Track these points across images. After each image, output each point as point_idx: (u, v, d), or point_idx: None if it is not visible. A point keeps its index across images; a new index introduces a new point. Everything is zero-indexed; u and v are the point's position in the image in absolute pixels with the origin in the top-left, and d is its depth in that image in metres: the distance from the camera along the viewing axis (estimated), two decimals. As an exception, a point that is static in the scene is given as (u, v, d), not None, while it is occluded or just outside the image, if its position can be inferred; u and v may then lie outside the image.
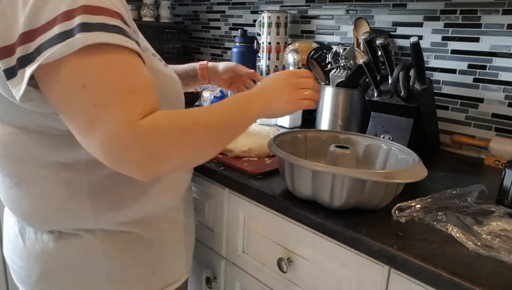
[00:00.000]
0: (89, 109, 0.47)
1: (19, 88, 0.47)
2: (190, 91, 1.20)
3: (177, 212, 0.74)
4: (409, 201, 0.69)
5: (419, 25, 1.16)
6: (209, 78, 1.00)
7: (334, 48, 1.15)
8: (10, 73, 0.48)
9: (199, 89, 1.29)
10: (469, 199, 0.71)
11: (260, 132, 1.03)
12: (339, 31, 1.36)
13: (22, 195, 0.61)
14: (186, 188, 0.77)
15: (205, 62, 1.01)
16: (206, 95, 1.35)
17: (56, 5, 0.47)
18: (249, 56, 1.35)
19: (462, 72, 1.10)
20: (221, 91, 1.41)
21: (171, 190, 0.71)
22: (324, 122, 1.16)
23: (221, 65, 1.00)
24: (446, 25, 1.11)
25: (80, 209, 0.61)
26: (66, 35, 0.46)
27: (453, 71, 1.12)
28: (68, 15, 0.46)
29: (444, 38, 1.12)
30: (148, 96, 0.50)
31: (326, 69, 1.18)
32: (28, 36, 0.47)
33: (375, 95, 0.99)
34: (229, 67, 0.99)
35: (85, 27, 0.46)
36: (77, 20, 0.46)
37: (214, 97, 1.33)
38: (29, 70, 0.46)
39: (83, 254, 0.63)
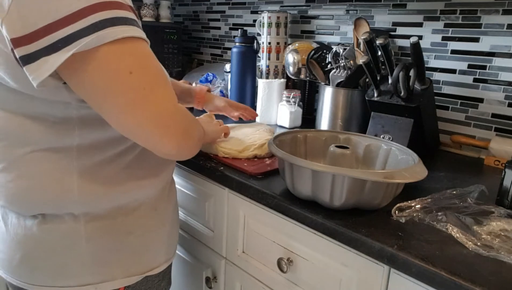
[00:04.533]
0: (138, 91, 0.54)
1: (38, 73, 0.49)
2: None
3: (159, 200, 0.76)
4: (409, 201, 0.70)
5: (419, 25, 1.16)
6: (203, 106, 1.08)
7: (334, 48, 1.15)
8: (28, 59, 0.49)
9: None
10: (469, 200, 0.71)
11: (254, 135, 1.00)
12: (339, 31, 1.36)
13: (9, 178, 0.62)
14: (169, 177, 0.79)
15: (203, 90, 1.06)
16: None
17: None
18: (249, 56, 1.34)
19: (462, 72, 1.10)
20: (221, 91, 1.42)
21: (155, 178, 0.73)
22: (324, 122, 1.16)
23: (217, 100, 1.07)
24: (446, 25, 1.11)
25: (67, 192, 0.62)
26: (96, 27, 0.49)
27: (453, 71, 1.12)
28: (93, 8, 0.49)
29: (444, 38, 1.12)
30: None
31: (326, 69, 1.18)
32: (52, 26, 0.48)
33: (375, 95, 0.99)
34: (221, 106, 1.07)
35: (113, 22, 0.50)
36: (104, 15, 0.50)
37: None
38: (60, 57, 0.49)
39: (67, 239, 0.65)
